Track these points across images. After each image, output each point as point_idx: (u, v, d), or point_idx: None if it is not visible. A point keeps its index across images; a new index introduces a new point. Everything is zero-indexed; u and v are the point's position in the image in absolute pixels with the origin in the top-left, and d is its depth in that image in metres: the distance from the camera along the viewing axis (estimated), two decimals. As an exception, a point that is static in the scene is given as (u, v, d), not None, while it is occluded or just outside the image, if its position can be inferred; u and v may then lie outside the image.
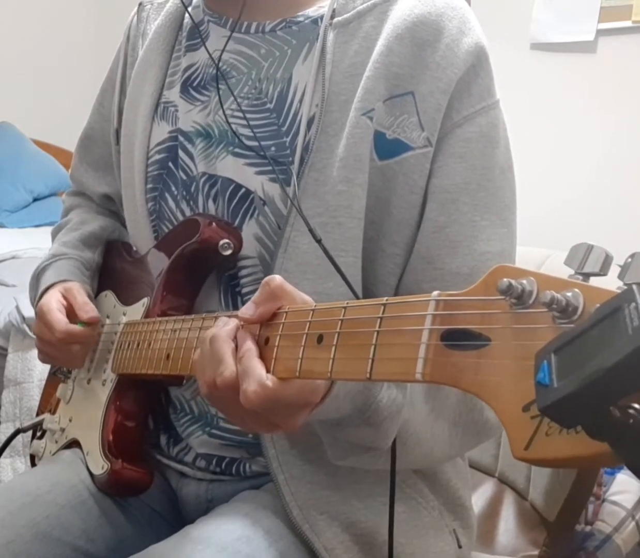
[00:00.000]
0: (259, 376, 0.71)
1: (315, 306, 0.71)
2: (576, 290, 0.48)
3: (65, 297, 1.16)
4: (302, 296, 0.76)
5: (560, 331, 0.47)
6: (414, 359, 0.57)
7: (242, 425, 0.80)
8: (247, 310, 0.76)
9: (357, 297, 0.91)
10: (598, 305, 0.45)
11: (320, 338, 0.68)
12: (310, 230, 0.92)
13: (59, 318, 1.12)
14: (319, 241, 0.91)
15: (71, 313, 1.14)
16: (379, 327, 0.62)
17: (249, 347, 0.74)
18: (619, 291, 0.45)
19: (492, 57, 0.98)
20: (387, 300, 0.63)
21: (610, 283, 0.49)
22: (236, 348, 0.75)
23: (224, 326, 0.78)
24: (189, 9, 1.13)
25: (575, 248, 0.52)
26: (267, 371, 0.72)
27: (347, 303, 0.68)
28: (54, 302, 1.14)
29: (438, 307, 0.58)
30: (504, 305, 0.52)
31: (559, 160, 2.71)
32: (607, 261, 0.51)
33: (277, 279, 0.75)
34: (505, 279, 0.51)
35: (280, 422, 0.75)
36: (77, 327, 1.12)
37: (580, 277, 0.50)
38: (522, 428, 0.49)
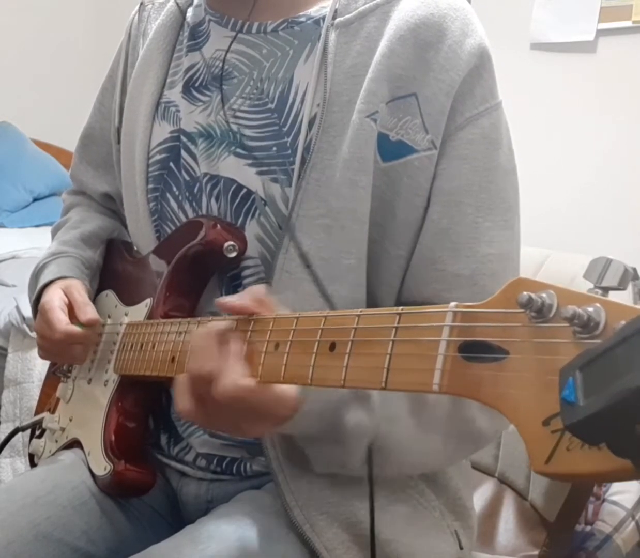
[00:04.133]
0: (236, 374, 0.75)
1: (328, 313, 0.71)
2: (598, 305, 0.48)
3: (66, 295, 1.15)
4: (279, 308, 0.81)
5: (581, 346, 0.47)
6: (431, 370, 0.57)
7: (207, 424, 0.83)
8: (227, 297, 0.82)
9: (331, 305, 0.93)
10: (622, 321, 0.45)
11: (333, 346, 0.68)
12: (301, 256, 0.93)
13: (60, 318, 1.11)
14: (308, 266, 0.92)
15: (72, 312, 1.14)
16: (395, 336, 0.62)
17: (236, 348, 0.78)
18: None
19: (492, 57, 0.98)
20: (402, 309, 0.63)
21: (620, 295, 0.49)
22: (223, 345, 0.79)
23: (215, 326, 0.82)
24: (191, 8, 1.13)
25: (594, 262, 0.52)
26: (280, 377, 0.74)
27: (361, 311, 0.68)
28: (56, 300, 1.13)
29: (456, 319, 0.57)
30: (524, 318, 0.52)
31: (558, 160, 2.71)
32: (626, 276, 0.51)
33: (263, 288, 0.82)
34: (525, 292, 0.51)
35: (245, 427, 0.79)
36: (76, 328, 1.11)
37: (599, 291, 0.51)
38: (542, 442, 0.48)
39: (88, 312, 1.13)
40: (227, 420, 0.79)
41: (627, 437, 0.42)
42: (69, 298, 1.15)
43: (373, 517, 0.92)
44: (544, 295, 0.50)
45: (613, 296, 0.50)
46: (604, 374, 0.43)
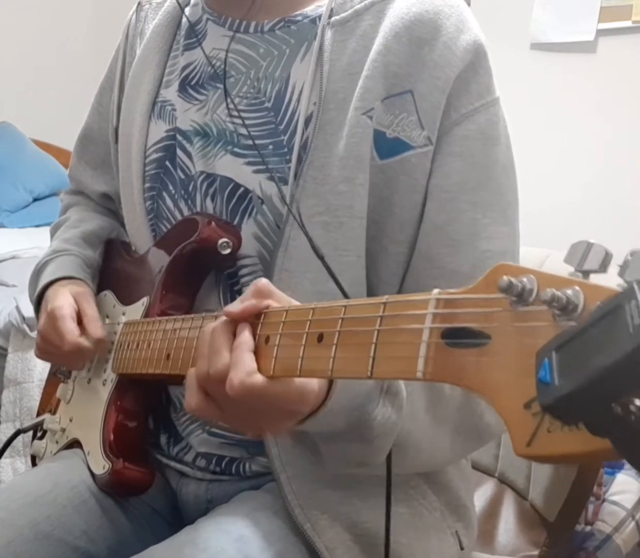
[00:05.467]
0: (248, 367, 0.72)
1: (315, 305, 0.71)
2: (576, 287, 0.48)
3: (77, 303, 1.14)
4: (288, 299, 0.77)
5: (560, 329, 0.47)
6: (415, 358, 0.57)
7: (229, 421, 0.79)
8: (232, 306, 0.77)
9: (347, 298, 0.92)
10: (599, 303, 0.45)
11: (320, 337, 0.68)
12: (313, 247, 0.92)
13: (71, 329, 1.10)
14: (321, 258, 0.91)
15: (80, 321, 1.13)
16: (380, 325, 0.62)
17: (244, 340, 0.75)
18: (619, 289, 0.45)
19: (491, 57, 0.98)
20: (387, 298, 0.63)
21: (607, 280, 0.49)
22: (231, 339, 0.76)
23: (224, 322, 0.78)
24: (188, 8, 1.14)
25: (574, 246, 0.52)
26: (268, 370, 0.73)
27: (348, 302, 0.68)
28: (67, 307, 1.12)
29: (438, 306, 0.57)
30: (505, 303, 0.52)
31: (558, 159, 2.71)
32: (606, 259, 0.51)
33: (263, 279, 0.78)
34: (505, 277, 0.51)
35: (264, 424, 0.77)
36: (86, 344, 1.10)
37: (580, 275, 0.50)
38: (523, 426, 0.48)
39: (98, 330, 1.11)
40: (244, 418, 0.76)
41: (603, 416, 0.42)
42: (79, 308, 1.13)
43: (388, 516, 0.91)
44: (524, 279, 0.50)
45: (594, 279, 0.50)
46: (579, 354, 0.43)
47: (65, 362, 1.18)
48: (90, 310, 1.13)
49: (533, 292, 0.50)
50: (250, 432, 0.80)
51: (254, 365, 0.72)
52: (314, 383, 0.74)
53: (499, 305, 0.52)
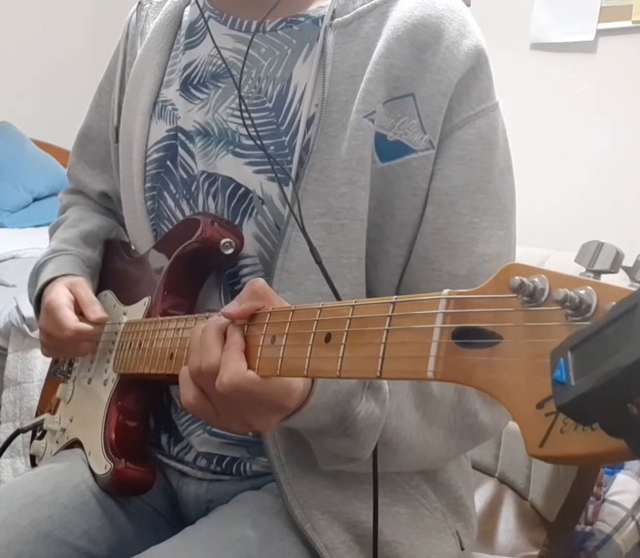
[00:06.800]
0: (237, 366, 0.76)
1: (322, 305, 0.71)
2: (589, 287, 0.48)
3: (71, 292, 1.15)
4: (282, 301, 0.80)
5: (573, 329, 0.47)
6: (425, 358, 0.57)
7: (216, 419, 0.82)
8: (230, 306, 0.80)
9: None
10: (613, 303, 0.45)
11: (328, 337, 0.68)
12: (312, 251, 0.92)
13: (69, 316, 1.12)
14: (319, 262, 0.91)
15: (78, 309, 1.14)
16: (389, 325, 0.62)
17: (236, 340, 0.78)
18: (632, 289, 0.45)
19: (492, 57, 0.99)
20: (396, 298, 0.63)
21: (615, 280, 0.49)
22: (222, 338, 0.80)
23: (216, 321, 0.81)
24: (188, 7, 1.14)
25: (585, 246, 0.52)
26: (273, 369, 0.74)
27: (355, 301, 0.68)
28: (63, 298, 1.13)
29: (449, 305, 0.57)
30: (516, 303, 0.52)
31: (558, 160, 2.71)
32: (617, 259, 0.51)
33: (260, 280, 0.81)
34: (517, 277, 0.51)
35: (251, 420, 0.79)
36: (87, 326, 1.12)
37: (591, 275, 0.51)
38: (536, 426, 0.48)
39: (97, 310, 1.14)
40: (233, 413, 0.79)
41: (619, 416, 0.42)
42: (75, 296, 1.15)
43: (376, 513, 0.92)
44: (535, 279, 0.50)
45: (605, 279, 0.50)
46: (595, 354, 0.43)
47: (72, 351, 1.18)
48: (85, 295, 1.15)
49: (545, 292, 0.50)
50: (238, 427, 0.81)
51: (244, 365, 0.76)
52: (299, 381, 0.78)
53: (510, 305, 0.52)
